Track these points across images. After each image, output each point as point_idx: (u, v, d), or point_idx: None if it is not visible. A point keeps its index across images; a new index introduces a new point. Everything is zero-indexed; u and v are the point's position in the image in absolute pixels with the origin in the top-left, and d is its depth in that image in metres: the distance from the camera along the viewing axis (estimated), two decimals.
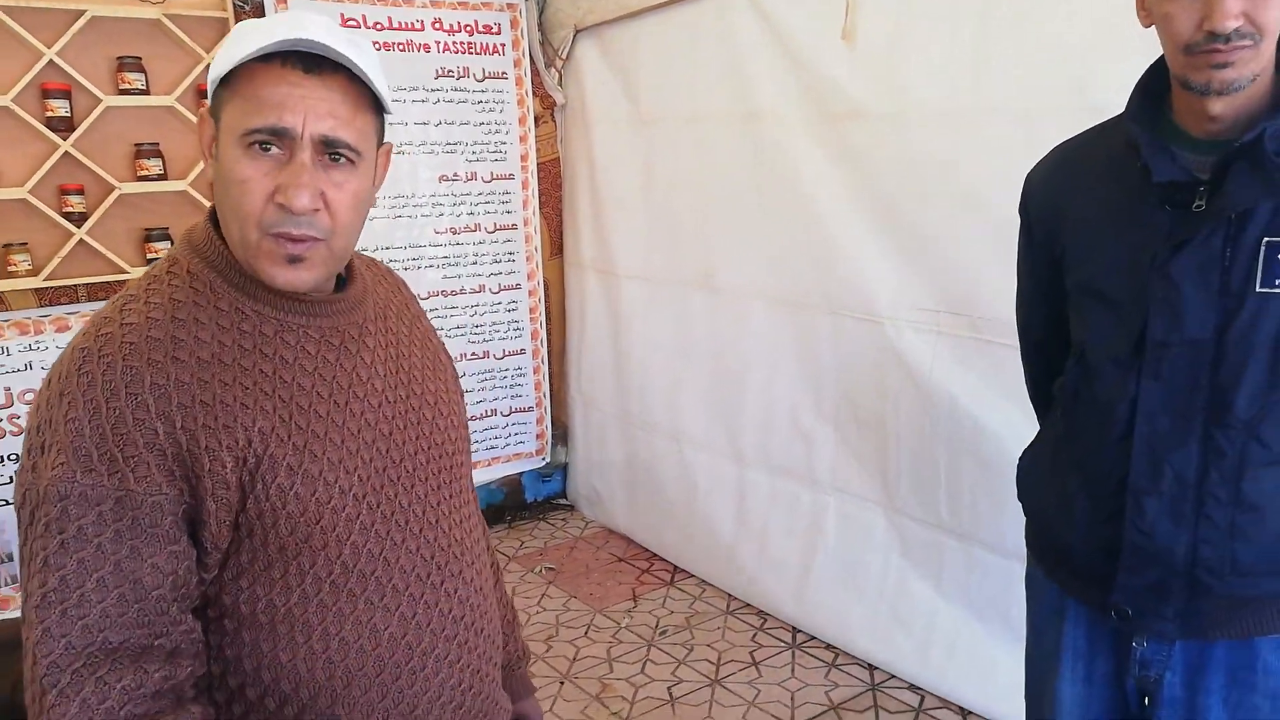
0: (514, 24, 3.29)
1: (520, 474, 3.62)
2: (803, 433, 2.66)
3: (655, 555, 3.26)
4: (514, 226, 3.40)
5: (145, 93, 2.65)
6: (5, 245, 2.52)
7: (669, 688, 2.50)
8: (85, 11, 2.53)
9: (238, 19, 2.70)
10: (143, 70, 2.64)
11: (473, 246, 3.31)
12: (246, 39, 0.83)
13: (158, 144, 2.69)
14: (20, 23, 2.45)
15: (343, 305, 0.94)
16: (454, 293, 3.30)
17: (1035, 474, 1.29)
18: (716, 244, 2.86)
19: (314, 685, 0.88)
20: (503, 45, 3.27)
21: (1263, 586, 1.07)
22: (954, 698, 2.34)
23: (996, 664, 2.17)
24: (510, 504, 3.63)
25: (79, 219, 2.60)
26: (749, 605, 2.88)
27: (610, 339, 3.36)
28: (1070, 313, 1.20)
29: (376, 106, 0.90)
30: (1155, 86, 1.10)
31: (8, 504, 2.51)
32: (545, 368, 3.55)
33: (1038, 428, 1.36)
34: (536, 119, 3.40)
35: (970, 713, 2.30)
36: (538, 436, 3.57)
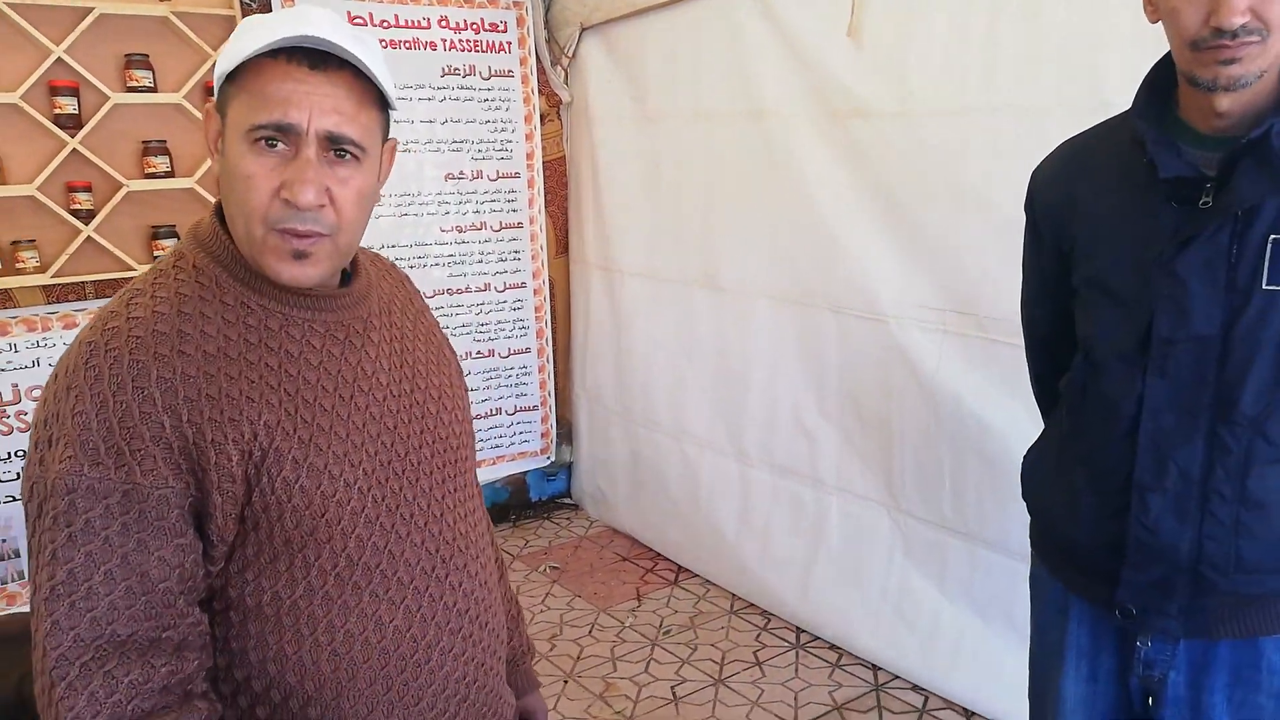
0: (520, 22, 3.29)
1: (525, 473, 3.62)
2: (806, 431, 2.66)
3: (659, 555, 3.26)
4: (519, 225, 3.40)
5: (153, 90, 2.66)
6: (13, 242, 2.53)
7: (673, 687, 2.50)
8: (93, 9, 2.54)
9: (245, 16, 2.71)
10: (150, 68, 2.66)
11: (478, 245, 3.32)
12: (252, 35, 0.84)
13: (165, 141, 2.70)
14: (29, 20, 2.47)
15: (347, 300, 0.95)
16: (459, 291, 3.30)
17: (1040, 471, 1.28)
18: (721, 242, 2.86)
19: (319, 677, 0.88)
20: (509, 43, 3.28)
21: (1267, 584, 1.07)
22: (958, 698, 2.33)
23: (1001, 664, 2.16)
24: (515, 503, 3.63)
25: (87, 216, 2.61)
26: (753, 605, 2.88)
27: (614, 337, 3.36)
28: (1076, 309, 1.20)
29: (381, 103, 0.90)
30: (1162, 82, 1.10)
31: (15, 500, 2.53)
32: (550, 366, 3.55)
33: (1043, 426, 1.36)
34: (542, 117, 3.41)
35: (974, 713, 2.30)
36: (543, 435, 3.57)
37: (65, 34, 2.52)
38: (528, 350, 3.48)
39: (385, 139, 0.94)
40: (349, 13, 2.92)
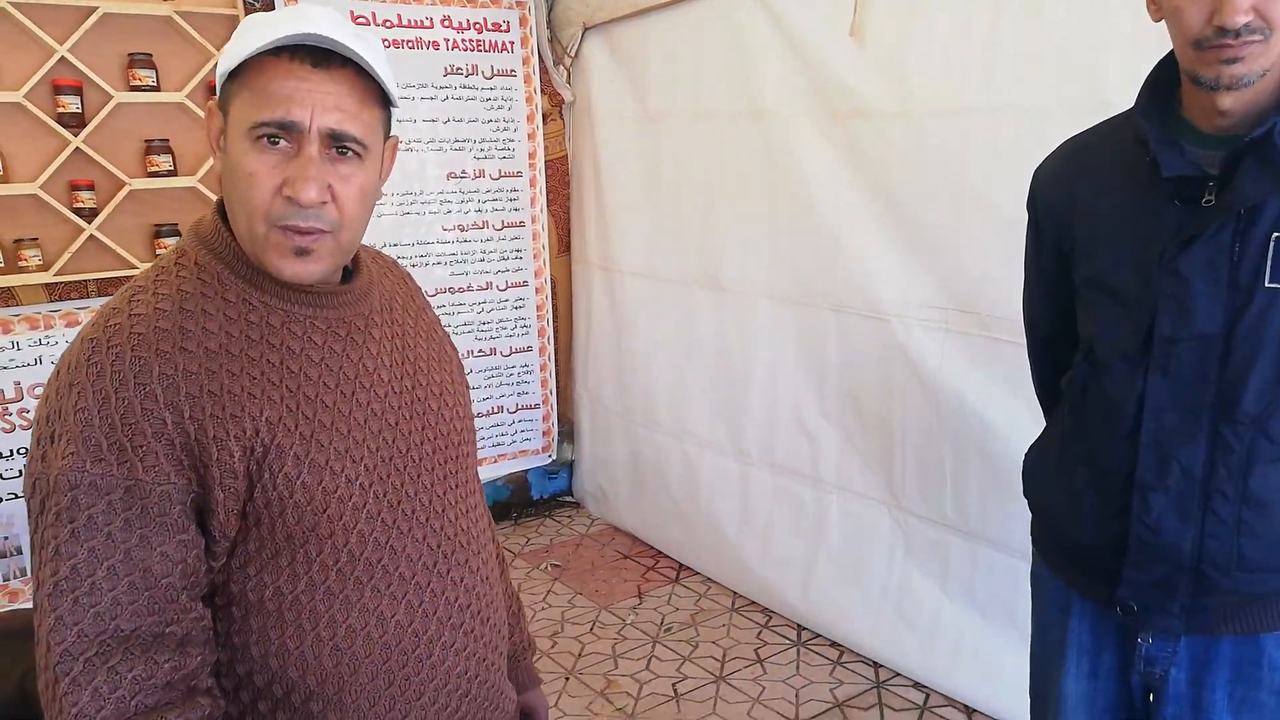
0: (523, 21, 3.29)
1: (527, 471, 3.62)
2: (806, 431, 2.66)
3: (660, 553, 3.27)
4: (521, 224, 3.40)
5: (156, 89, 2.67)
6: (16, 240, 2.54)
7: (674, 684, 2.50)
8: (97, 8, 2.54)
9: (247, 15, 2.71)
10: (153, 67, 2.66)
11: (480, 244, 3.32)
12: (254, 33, 0.84)
13: (168, 140, 2.71)
14: (32, 19, 2.47)
15: (349, 297, 0.95)
16: (461, 290, 3.31)
17: (1042, 470, 1.28)
18: (722, 241, 2.86)
19: (321, 672, 0.89)
20: (511, 43, 3.28)
21: (1269, 583, 1.07)
22: (959, 696, 2.33)
23: (1001, 662, 2.16)
24: (516, 501, 3.64)
25: (89, 215, 2.61)
26: (754, 603, 2.88)
27: (615, 337, 3.36)
28: (1078, 308, 1.20)
29: (383, 100, 0.91)
30: (1165, 81, 1.10)
31: (17, 497, 2.53)
32: (552, 365, 3.55)
33: (1044, 424, 1.36)
34: (545, 116, 3.41)
35: (975, 711, 2.30)
36: (544, 434, 3.57)
37: (69, 33, 2.52)
38: (529, 349, 3.49)
39: (387, 136, 0.94)
40: (352, 12, 2.93)
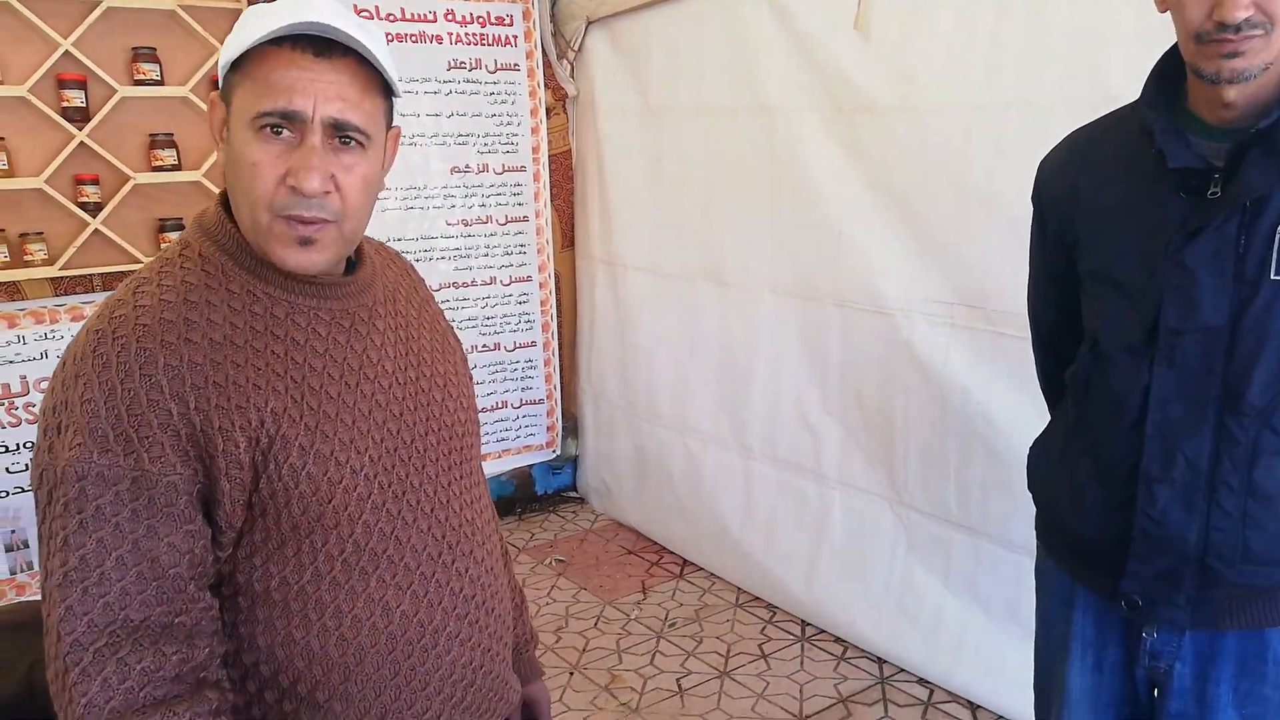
0: (526, 15, 3.29)
1: (530, 466, 3.63)
2: (809, 426, 2.66)
3: (664, 548, 3.27)
4: (525, 219, 3.40)
5: (160, 83, 2.67)
6: (21, 235, 2.54)
7: (678, 679, 2.51)
8: (101, 2, 2.54)
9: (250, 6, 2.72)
10: (157, 61, 2.66)
11: (484, 238, 3.32)
12: (257, 22, 0.84)
13: (172, 134, 2.71)
14: (37, 13, 2.48)
15: (353, 288, 0.95)
16: (465, 284, 3.31)
17: (1046, 463, 1.28)
18: (725, 236, 2.86)
19: (327, 662, 0.89)
20: (515, 37, 3.28)
21: (1274, 576, 1.06)
22: (963, 691, 2.33)
23: (1004, 658, 2.16)
24: (521, 496, 3.64)
25: (94, 209, 2.62)
26: (758, 598, 2.88)
27: (618, 332, 3.36)
28: (1083, 300, 1.20)
29: (386, 90, 0.90)
30: (1170, 73, 1.10)
31: (25, 491, 2.54)
32: (556, 360, 3.55)
33: (1049, 419, 1.35)
34: (548, 111, 3.40)
35: (979, 706, 2.30)
36: (548, 429, 3.58)
37: (73, 27, 2.53)
38: (533, 344, 3.49)
39: (389, 126, 0.94)
40: (355, 5, 2.93)
